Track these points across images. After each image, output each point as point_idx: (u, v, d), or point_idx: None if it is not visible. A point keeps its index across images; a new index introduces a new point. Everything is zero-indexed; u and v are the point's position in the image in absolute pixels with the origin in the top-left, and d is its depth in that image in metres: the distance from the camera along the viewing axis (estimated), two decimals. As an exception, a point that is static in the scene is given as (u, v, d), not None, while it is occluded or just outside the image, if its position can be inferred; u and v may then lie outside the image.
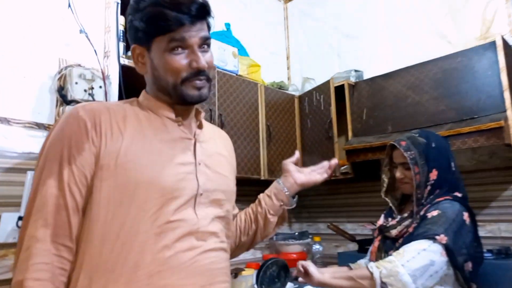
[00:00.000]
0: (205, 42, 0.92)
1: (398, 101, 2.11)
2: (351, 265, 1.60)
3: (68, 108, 1.46)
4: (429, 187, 1.40)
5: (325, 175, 1.17)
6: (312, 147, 2.45)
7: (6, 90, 1.44)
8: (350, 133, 2.31)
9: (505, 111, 1.73)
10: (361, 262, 1.62)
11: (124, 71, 1.66)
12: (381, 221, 1.55)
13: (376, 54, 2.54)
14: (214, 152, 1.01)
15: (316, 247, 2.55)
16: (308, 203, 2.85)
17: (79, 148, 0.82)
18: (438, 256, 1.24)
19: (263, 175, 2.28)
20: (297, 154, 1.21)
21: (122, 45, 1.69)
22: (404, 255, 1.24)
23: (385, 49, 2.50)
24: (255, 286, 1.75)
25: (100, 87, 1.53)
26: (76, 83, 1.48)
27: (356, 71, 2.48)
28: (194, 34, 0.89)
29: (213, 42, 2.12)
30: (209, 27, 0.95)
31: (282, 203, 1.13)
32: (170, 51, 0.88)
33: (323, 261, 2.50)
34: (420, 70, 2.05)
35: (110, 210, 0.82)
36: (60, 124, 0.86)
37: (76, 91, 1.47)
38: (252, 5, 2.89)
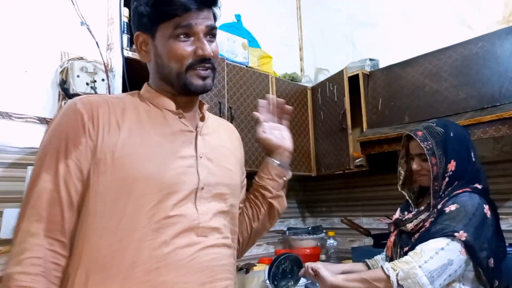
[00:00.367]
0: (211, 32, 0.90)
1: (416, 90, 2.03)
2: (367, 261, 1.57)
3: (70, 102, 1.45)
4: (447, 179, 1.34)
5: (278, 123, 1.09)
6: (325, 140, 2.40)
7: (7, 85, 1.44)
8: (365, 125, 2.24)
9: (529, 98, 1.64)
10: (378, 257, 1.59)
11: (129, 63, 1.64)
12: (396, 215, 1.50)
13: (392, 42, 2.46)
14: (217, 145, 0.98)
15: (331, 242, 2.51)
16: (323, 197, 2.82)
17: (75, 142, 0.81)
18: (457, 255, 1.20)
19: (275, 168, 2.23)
20: (270, 97, 1.11)
21: (126, 37, 1.67)
22: (422, 255, 1.20)
23: (402, 36, 2.42)
24: (267, 281, 1.71)
25: (103, 80, 1.51)
26: (78, 76, 1.46)
27: (371, 60, 2.41)
28: (201, 21, 0.87)
29: (223, 34, 2.11)
30: (215, 18, 0.93)
31: (284, 177, 1.08)
32: (175, 38, 0.86)
33: (338, 256, 2.46)
34: (438, 57, 1.97)
35: (107, 205, 0.80)
36: (58, 117, 0.86)
37: (78, 84, 1.45)
38: (263, -4, 2.84)
